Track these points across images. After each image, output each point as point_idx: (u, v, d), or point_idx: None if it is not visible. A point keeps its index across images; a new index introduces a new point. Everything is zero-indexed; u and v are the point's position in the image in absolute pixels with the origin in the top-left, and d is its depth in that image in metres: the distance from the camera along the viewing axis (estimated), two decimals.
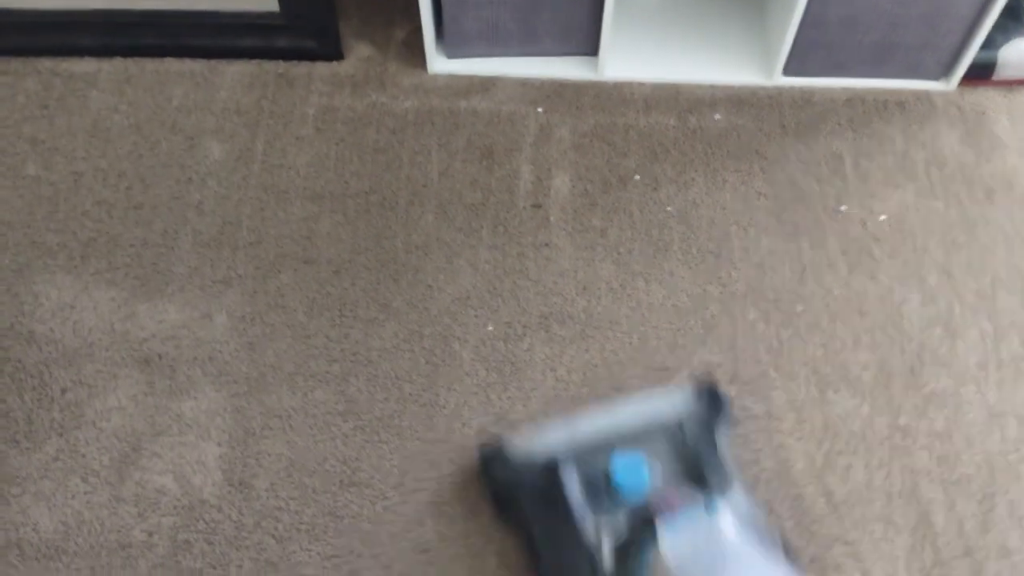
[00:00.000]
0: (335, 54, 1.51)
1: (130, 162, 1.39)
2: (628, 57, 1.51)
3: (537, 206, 1.36)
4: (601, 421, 1.11)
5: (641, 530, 0.98)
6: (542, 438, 1.09)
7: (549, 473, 1.04)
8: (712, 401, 1.12)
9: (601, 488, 1.03)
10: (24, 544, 1.08)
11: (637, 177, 1.39)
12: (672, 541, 0.95)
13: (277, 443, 1.15)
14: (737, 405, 1.18)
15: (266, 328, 1.24)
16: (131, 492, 1.12)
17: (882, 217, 1.35)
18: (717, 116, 1.45)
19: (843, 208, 1.36)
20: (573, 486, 1.03)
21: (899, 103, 1.48)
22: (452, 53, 1.50)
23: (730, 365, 1.22)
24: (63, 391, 1.19)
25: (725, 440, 1.10)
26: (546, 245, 1.33)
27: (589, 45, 1.48)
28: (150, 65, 1.50)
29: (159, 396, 1.19)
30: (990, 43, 1.43)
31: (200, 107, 1.45)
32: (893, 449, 1.16)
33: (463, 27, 1.46)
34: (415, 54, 1.51)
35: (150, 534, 1.09)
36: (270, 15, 1.47)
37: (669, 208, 1.36)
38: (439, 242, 1.33)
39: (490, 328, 1.25)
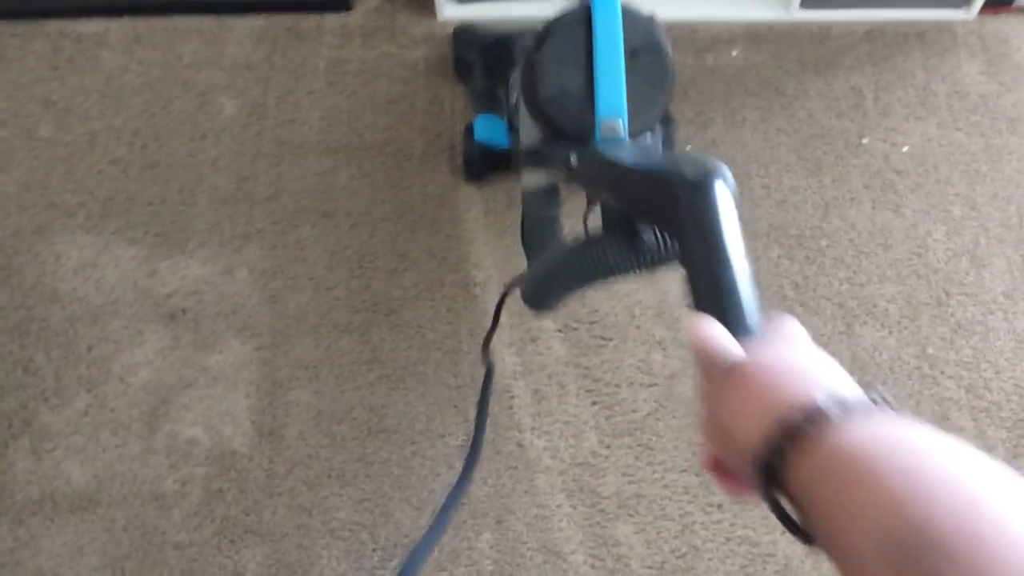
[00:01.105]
0: (343, 5, 1.49)
1: (144, 120, 1.38)
2: None
3: None
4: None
5: None
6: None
7: (502, 42, 1.31)
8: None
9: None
10: (58, 497, 1.09)
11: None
12: None
13: (304, 393, 1.16)
14: None
15: (287, 281, 1.24)
16: (162, 444, 1.13)
17: (904, 149, 1.34)
18: (735, 53, 1.43)
19: (865, 141, 1.34)
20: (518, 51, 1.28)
21: (919, 34, 1.45)
22: None
23: None
24: (89, 348, 1.19)
25: None
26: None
27: None
28: (159, 23, 1.48)
29: (185, 350, 1.19)
30: None
31: (210, 63, 1.44)
32: (922, 380, 1.16)
33: None
34: (424, 2, 1.49)
35: (183, 484, 1.10)
36: None
37: (688, 148, 1.34)
38: (455, 191, 1.32)
39: (510, 272, 1.24)
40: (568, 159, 0.85)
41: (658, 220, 0.73)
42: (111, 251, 1.26)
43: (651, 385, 1.16)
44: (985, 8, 1.45)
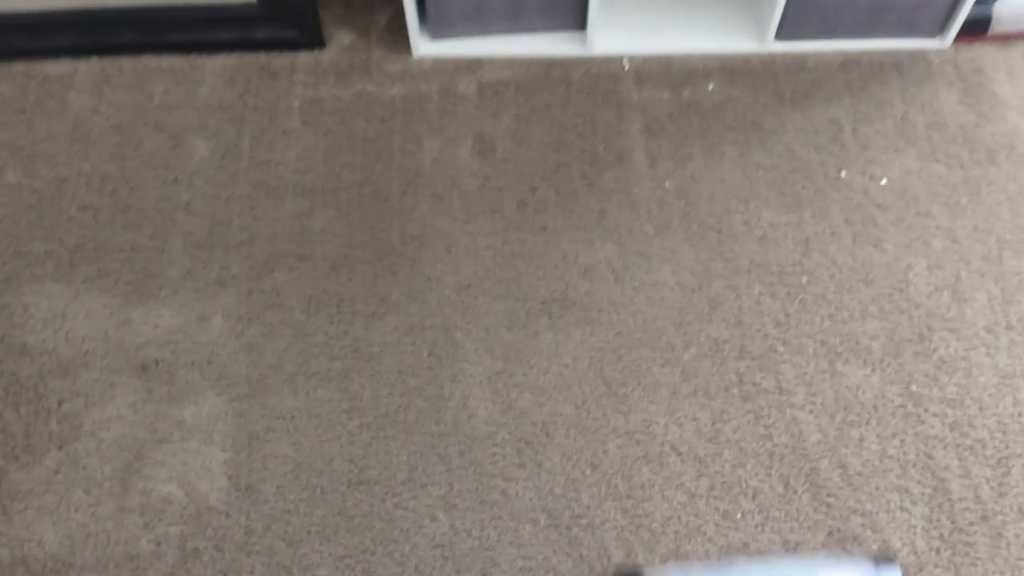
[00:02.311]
0: (317, 43, 1.47)
1: (114, 164, 1.35)
2: (616, 30, 1.48)
3: (533, 189, 1.34)
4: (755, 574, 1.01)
5: None
6: None
7: None
8: None
9: None
10: (30, 560, 1.06)
11: (633, 155, 1.36)
12: None
13: (282, 445, 1.13)
14: (748, 380, 1.17)
15: (264, 328, 1.22)
16: (136, 502, 1.10)
17: (883, 182, 1.33)
18: (711, 87, 1.42)
19: (843, 175, 1.34)
20: None
21: (895, 64, 1.45)
22: (437, 35, 1.47)
23: (737, 341, 1.21)
24: (60, 403, 1.16)
25: None
26: (544, 229, 1.30)
27: (577, 19, 1.45)
28: (128, 63, 1.46)
29: (159, 403, 1.17)
30: None
31: (182, 104, 1.42)
32: (906, 418, 1.15)
33: (446, 8, 1.42)
34: (399, 39, 1.48)
35: (158, 544, 1.07)
36: (248, 6, 1.43)
37: (668, 184, 1.34)
38: (436, 231, 1.30)
39: (492, 316, 1.23)
40: None
41: None
42: (81, 300, 1.24)
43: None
44: (959, 38, 1.45)
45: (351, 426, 1.15)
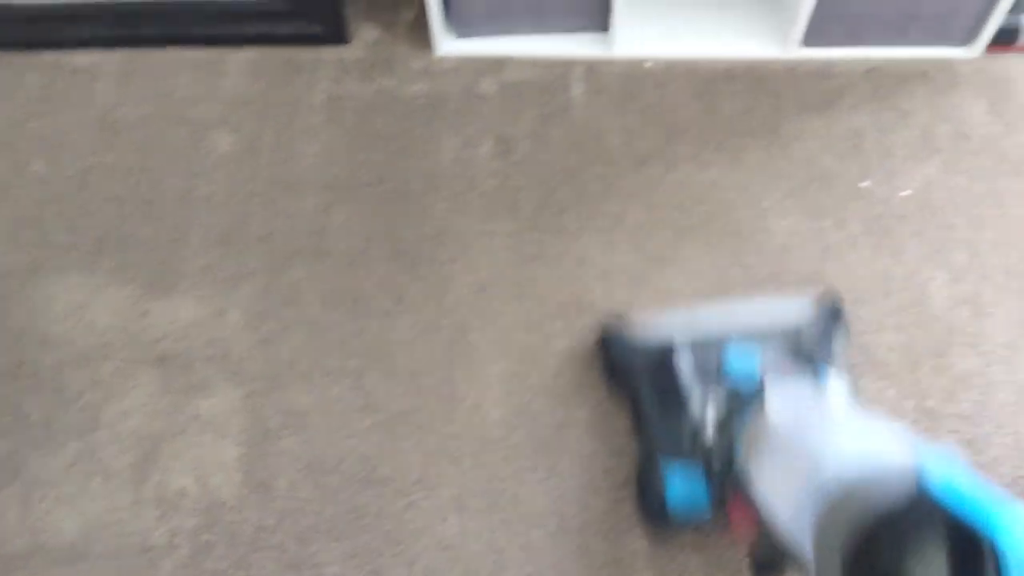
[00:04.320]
0: (341, 38, 1.48)
1: (138, 157, 1.37)
2: (641, 32, 1.47)
3: (552, 190, 1.33)
4: (719, 315, 1.12)
5: (746, 400, 0.98)
6: (661, 323, 1.12)
7: (663, 355, 1.07)
8: (831, 313, 1.12)
9: (712, 373, 1.04)
10: (48, 548, 1.08)
11: (653, 159, 1.36)
12: (777, 401, 0.95)
13: (295, 442, 1.14)
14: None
15: (280, 324, 1.23)
16: (152, 494, 1.12)
17: (905, 192, 1.32)
18: (735, 92, 1.41)
19: (865, 184, 1.33)
20: (685, 368, 1.05)
21: (921, 73, 1.43)
22: (461, 33, 1.47)
23: None
24: (80, 393, 1.18)
25: (841, 351, 1.10)
26: (562, 231, 1.30)
27: (600, 20, 1.44)
28: (153, 55, 1.47)
29: (176, 395, 1.18)
30: (1017, 6, 1.38)
31: (206, 97, 1.43)
32: (921, 434, 1.14)
33: (471, 6, 1.42)
34: (423, 36, 1.48)
35: (172, 536, 1.09)
36: (274, 1, 1.44)
37: (687, 190, 1.33)
38: (453, 231, 1.30)
39: (508, 318, 1.23)
40: None
41: None
42: (103, 292, 1.25)
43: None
44: (990, 48, 1.43)
45: (364, 425, 1.16)
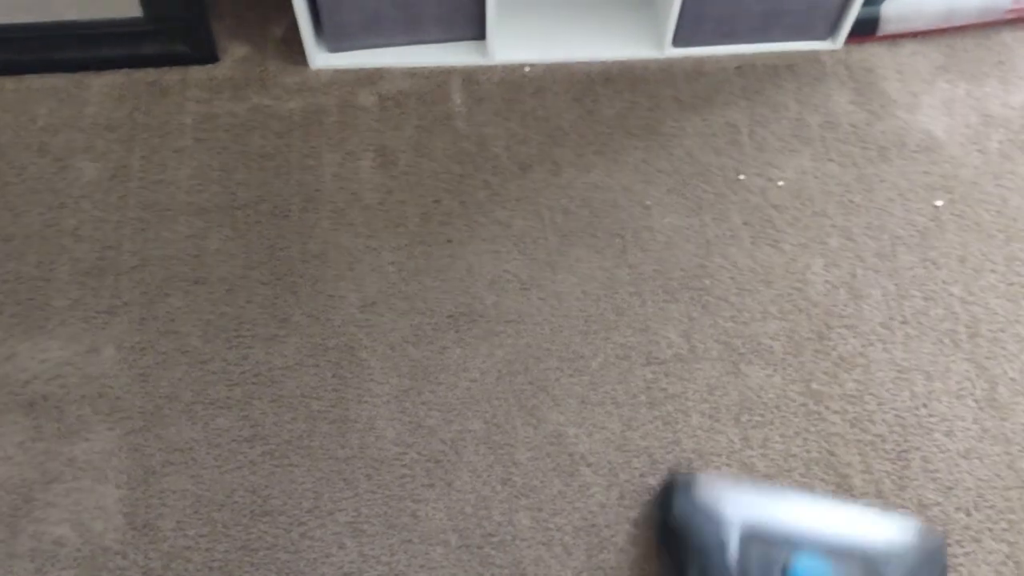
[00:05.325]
0: (209, 56, 1.43)
1: None
2: (517, 39, 1.47)
3: (437, 201, 1.32)
4: (801, 510, 1.03)
5: None
6: (732, 493, 1.02)
7: (721, 542, 0.96)
8: (930, 553, 0.99)
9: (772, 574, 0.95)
10: None
11: (536, 164, 1.36)
12: None
13: (180, 479, 1.09)
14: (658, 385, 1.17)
15: (158, 357, 1.18)
16: (26, 547, 1.05)
17: (780, 183, 1.36)
18: (613, 94, 1.43)
19: (742, 177, 1.36)
20: (736, 555, 0.95)
21: (789, 66, 1.48)
22: (334, 47, 1.44)
23: (643, 347, 1.21)
24: None
25: None
26: (449, 241, 1.29)
27: (475, 29, 1.44)
28: (9, 83, 1.39)
29: (48, 441, 1.11)
30: None
31: (67, 125, 1.36)
32: (808, 416, 1.17)
33: (342, 18, 1.39)
34: (296, 51, 1.44)
35: None
36: (134, 20, 1.38)
37: (572, 193, 1.33)
38: (337, 248, 1.27)
39: (398, 333, 1.21)
40: None
41: None
42: None
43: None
44: (850, 38, 1.49)
45: (253, 455, 1.11)
